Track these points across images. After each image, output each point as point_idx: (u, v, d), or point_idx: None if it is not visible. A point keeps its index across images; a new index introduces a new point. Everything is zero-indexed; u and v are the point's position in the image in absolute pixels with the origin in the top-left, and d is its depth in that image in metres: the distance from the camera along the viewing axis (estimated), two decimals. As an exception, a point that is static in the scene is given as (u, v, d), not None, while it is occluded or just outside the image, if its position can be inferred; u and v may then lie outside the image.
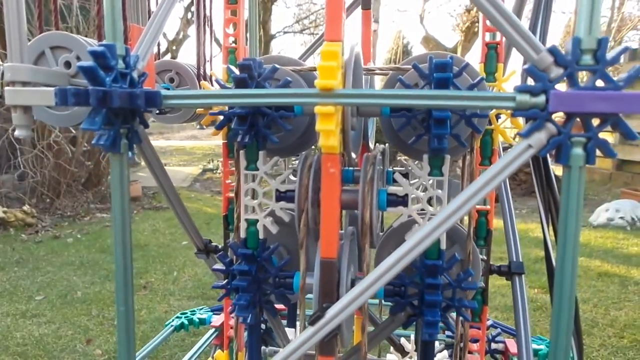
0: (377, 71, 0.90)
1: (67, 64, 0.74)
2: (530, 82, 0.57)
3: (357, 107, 0.76)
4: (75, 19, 4.61)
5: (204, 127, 1.06)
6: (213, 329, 1.38)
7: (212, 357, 1.09)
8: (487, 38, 0.92)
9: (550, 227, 0.92)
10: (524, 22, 0.89)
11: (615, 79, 0.53)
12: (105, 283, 3.20)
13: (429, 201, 0.74)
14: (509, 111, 0.86)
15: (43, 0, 0.82)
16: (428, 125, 0.71)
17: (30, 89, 0.64)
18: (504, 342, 1.31)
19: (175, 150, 11.33)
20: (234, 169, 0.95)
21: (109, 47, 0.61)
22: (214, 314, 1.55)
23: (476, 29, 11.47)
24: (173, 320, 1.55)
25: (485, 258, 0.95)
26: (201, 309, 1.62)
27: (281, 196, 0.80)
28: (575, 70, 0.54)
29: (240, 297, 0.79)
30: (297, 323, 1.23)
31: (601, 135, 0.55)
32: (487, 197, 0.96)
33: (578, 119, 0.55)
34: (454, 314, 0.83)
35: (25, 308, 2.80)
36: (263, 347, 1.06)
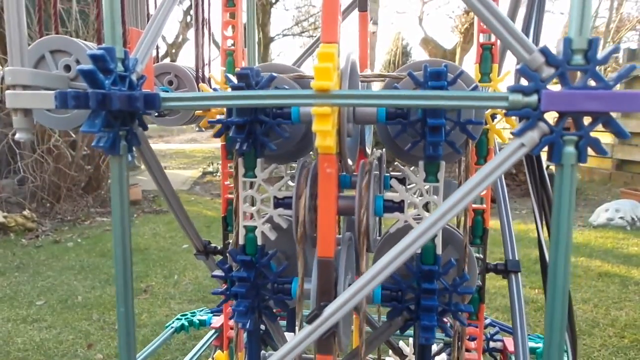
0: (373, 79, 0.91)
1: (67, 68, 0.75)
2: (524, 82, 0.58)
3: (353, 114, 0.77)
4: (75, 23, 4.63)
5: (203, 129, 1.07)
6: (213, 330, 1.39)
7: (212, 358, 1.09)
8: (482, 39, 0.93)
9: (545, 225, 0.93)
10: (518, 24, 0.91)
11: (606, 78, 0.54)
12: (106, 287, 3.20)
13: (425, 206, 0.75)
14: (503, 111, 0.87)
15: (43, 4, 0.83)
16: (423, 132, 0.72)
17: (30, 92, 0.65)
18: (502, 341, 1.31)
19: (174, 153, 11.34)
20: (232, 170, 0.96)
21: (108, 50, 0.62)
22: (213, 315, 1.56)
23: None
24: (173, 321, 1.56)
25: (482, 256, 0.96)
26: (201, 311, 1.62)
27: (279, 203, 0.81)
28: (566, 69, 0.55)
29: (239, 303, 0.80)
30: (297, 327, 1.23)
31: (602, 135, 0.56)
32: (483, 195, 0.97)
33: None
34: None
35: (26, 313, 2.80)
36: (263, 352, 1.06)
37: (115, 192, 0.66)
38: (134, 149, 0.70)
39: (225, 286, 0.85)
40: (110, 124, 0.63)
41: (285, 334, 0.94)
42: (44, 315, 2.78)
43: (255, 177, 0.80)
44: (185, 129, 15.21)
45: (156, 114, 1.07)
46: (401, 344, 1.33)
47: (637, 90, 0.53)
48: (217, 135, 0.83)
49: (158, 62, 1.23)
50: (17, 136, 0.65)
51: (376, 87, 1.03)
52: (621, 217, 4.55)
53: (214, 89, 1.00)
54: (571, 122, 0.57)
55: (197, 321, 1.54)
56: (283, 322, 1.39)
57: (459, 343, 0.88)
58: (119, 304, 0.67)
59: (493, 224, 1.02)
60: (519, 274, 1.01)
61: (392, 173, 1.02)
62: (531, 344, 1.34)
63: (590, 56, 0.54)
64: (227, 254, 0.87)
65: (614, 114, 0.54)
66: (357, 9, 1.13)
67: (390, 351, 1.32)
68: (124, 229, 0.67)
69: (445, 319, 0.83)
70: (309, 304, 0.77)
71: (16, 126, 0.65)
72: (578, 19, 0.54)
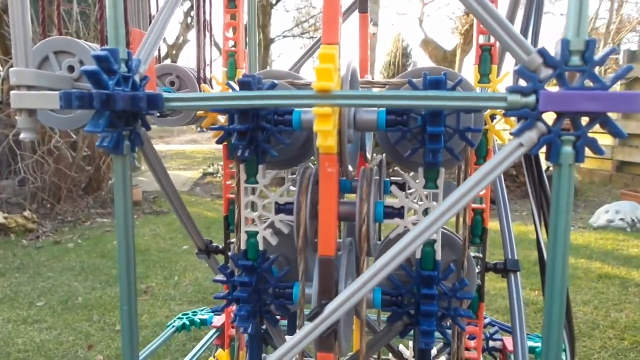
0: (373, 86, 0.92)
1: (71, 68, 0.76)
2: (522, 83, 0.58)
3: (354, 121, 0.77)
4: (76, 25, 4.64)
5: (205, 129, 1.08)
6: (213, 330, 1.39)
7: (214, 356, 1.10)
8: (481, 40, 0.94)
9: (543, 225, 0.94)
10: (517, 25, 0.91)
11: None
12: (106, 288, 3.20)
13: (425, 212, 0.76)
14: (502, 111, 0.88)
15: (47, 5, 0.84)
16: (423, 139, 0.73)
17: (35, 93, 0.65)
18: (501, 340, 1.32)
19: (175, 154, 11.34)
20: (234, 170, 0.97)
21: (112, 51, 0.63)
22: (214, 314, 1.57)
23: (475, 32, 11.50)
24: (174, 321, 1.57)
25: (482, 255, 0.96)
26: (202, 310, 1.63)
27: (280, 208, 0.82)
28: (564, 70, 0.55)
29: (241, 307, 0.81)
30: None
31: (601, 136, 0.57)
32: (482, 195, 0.97)
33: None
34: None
35: (26, 314, 2.80)
36: (264, 355, 1.07)
37: (119, 192, 0.67)
38: (135, 149, 0.70)
39: (227, 290, 0.86)
40: (114, 124, 0.64)
41: (287, 337, 0.94)
42: (45, 316, 2.78)
43: (257, 183, 0.81)
44: (186, 130, 15.21)
45: (158, 115, 1.08)
46: (401, 347, 1.33)
47: (637, 91, 0.54)
48: (219, 141, 0.84)
49: (159, 63, 1.24)
50: (21, 136, 0.66)
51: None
52: (621, 219, 4.56)
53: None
54: (569, 123, 0.58)
55: (198, 320, 1.55)
56: (283, 322, 1.39)
57: (458, 342, 0.89)
58: (123, 302, 0.68)
59: (492, 225, 1.02)
60: (518, 273, 1.02)
61: (392, 178, 1.04)
62: (530, 343, 1.34)
63: (587, 57, 0.54)
64: (229, 259, 0.88)
65: (614, 116, 0.55)
66: (357, 10, 1.14)
67: (390, 354, 1.33)
68: (127, 227, 0.68)
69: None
70: (309, 307, 0.78)
71: (20, 126, 0.66)
72: (575, 20, 0.54)
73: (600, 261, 3.66)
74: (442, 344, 1.37)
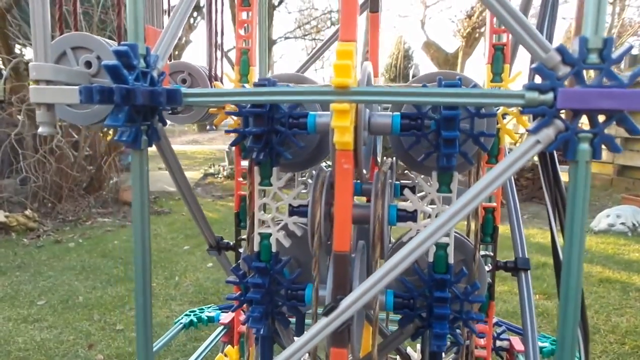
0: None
1: (88, 64, 0.76)
2: (538, 80, 0.59)
3: (368, 125, 0.78)
4: (79, 24, 4.66)
5: (215, 128, 1.08)
6: (220, 327, 1.39)
7: (224, 353, 1.10)
8: (494, 40, 0.94)
9: (558, 224, 0.94)
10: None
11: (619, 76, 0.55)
12: (107, 288, 3.20)
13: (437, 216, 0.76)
14: (514, 110, 0.88)
15: (63, 2, 0.84)
16: (437, 144, 0.73)
17: (55, 87, 0.66)
18: (508, 340, 1.32)
19: (176, 154, 11.32)
20: (245, 168, 0.97)
21: (132, 46, 0.64)
22: (222, 312, 1.57)
23: (477, 35, 11.55)
24: (182, 317, 1.57)
25: (492, 254, 0.97)
26: (209, 307, 1.63)
27: (294, 211, 0.82)
28: (582, 68, 0.56)
29: (254, 309, 0.81)
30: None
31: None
32: (493, 194, 0.98)
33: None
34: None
35: (26, 313, 2.80)
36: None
37: (136, 186, 0.67)
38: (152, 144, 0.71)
39: (237, 291, 0.87)
40: (133, 119, 0.64)
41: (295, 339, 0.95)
42: (45, 315, 2.77)
43: (271, 185, 0.81)
44: (187, 130, 15.20)
45: (170, 111, 1.08)
46: (409, 350, 1.33)
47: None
48: (233, 144, 0.85)
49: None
50: (40, 130, 0.67)
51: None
52: (622, 223, 4.56)
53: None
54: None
55: (206, 317, 1.55)
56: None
57: (469, 341, 0.89)
58: (138, 295, 0.68)
59: (503, 227, 1.02)
60: (529, 272, 1.02)
61: (402, 181, 1.04)
62: (538, 343, 1.34)
63: (605, 55, 0.55)
64: (242, 260, 0.88)
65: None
66: (367, 10, 1.14)
67: (398, 357, 1.33)
68: (143, 221, 0.68)
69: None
70: (321, 309, 0.78)
71: (39, 120, 0.67)
72: (594, 17, 0.55)
73: (601, 265, 3.67)
74: (449, 343, 1.37)
